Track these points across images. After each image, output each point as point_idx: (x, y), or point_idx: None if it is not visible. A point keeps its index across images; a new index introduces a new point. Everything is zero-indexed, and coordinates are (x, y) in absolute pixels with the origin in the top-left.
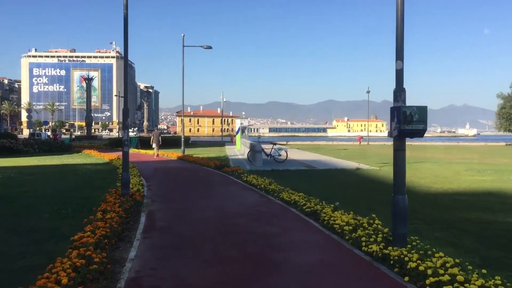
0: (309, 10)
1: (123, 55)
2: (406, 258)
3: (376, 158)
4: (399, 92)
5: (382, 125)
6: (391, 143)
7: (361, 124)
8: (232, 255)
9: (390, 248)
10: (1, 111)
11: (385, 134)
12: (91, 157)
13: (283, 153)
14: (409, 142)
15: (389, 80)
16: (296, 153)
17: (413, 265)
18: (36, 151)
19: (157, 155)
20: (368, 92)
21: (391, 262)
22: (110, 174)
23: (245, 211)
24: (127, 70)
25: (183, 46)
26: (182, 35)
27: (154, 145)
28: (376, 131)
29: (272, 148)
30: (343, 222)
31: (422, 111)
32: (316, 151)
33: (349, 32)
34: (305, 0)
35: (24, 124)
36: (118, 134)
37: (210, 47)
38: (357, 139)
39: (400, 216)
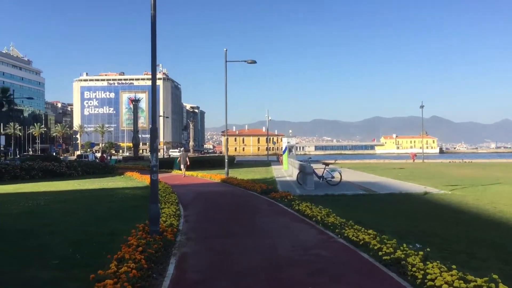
0: (354, 25)
1: (169, 76)
2: None
3: (441, 179)
4: None
5: (433, 142)
6: (448, 160)
7: (411, 141)
8: None
9: None
10: (54, 134)
11: (437, 150)
12: (132, 180)
13: (336, 174)
14: (467, 159)
15: (438, 95)
16: (348, 173)
17: None
18: (79, 173)
19: (184, 175)
20: (421, 107)
21: None
22: (145, 202)
23: (301, 257)
24: (155, 73)
25: (226, 61)
26: (225, 49)
27: (181, 166)
28: (427, 147)
29: (324, 169)
30: (451, 287)
31: None
32: (369, 170)
33: (394, 46)
34: (350, 14)
35: (79, 146)
36: (163, 155)
37: (254, 62)
38: (410, 156)
39: None
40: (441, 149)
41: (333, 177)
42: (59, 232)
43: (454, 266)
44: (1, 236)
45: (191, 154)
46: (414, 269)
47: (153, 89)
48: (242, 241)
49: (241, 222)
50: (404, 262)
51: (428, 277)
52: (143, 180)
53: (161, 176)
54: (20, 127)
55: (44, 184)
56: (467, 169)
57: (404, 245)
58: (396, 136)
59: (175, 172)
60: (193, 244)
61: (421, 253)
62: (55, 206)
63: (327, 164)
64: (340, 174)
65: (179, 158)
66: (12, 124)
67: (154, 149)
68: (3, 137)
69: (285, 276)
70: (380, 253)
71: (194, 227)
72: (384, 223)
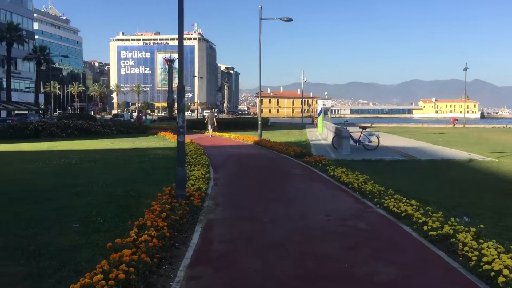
0: None
1: (204, 36)
2: None
3: (485, 145)
4: None
5: (474, 106)
6: (490, 125)
7: (451, 105)
8: None
9: None
10: (92, 93)
11: (478, 115)
12: (165, 140)
13: (374, 139)
14: (511, 125)
15: (481, 58)
16: (385, 138)
17: None
18: (113, 132)
19: (212, 135)
20: (465, 69)
21: None
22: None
23: (336, 228)
24: (183, 29)
25: (260, 18)
26: (260, 6)
27: (209, 126)
28: (468, 112)
29: (361, 133)
30: None
31: None
32: (408, 135)
33: (435, 7)
34: None
35: (115, 106)
36: (197, 115)
37: (290, 20)
38: (451, 121)
39: None
40: (482, 114)
41: (370, 142)
42: (85, 193)
43: None
44: (26, 196)
45: (224, 115)
46: (466, 248)
47: (180, 47)
48: (273, 208)
49: (272, 187)
50: (453, 239)
51: (484, 259)
52: (175, 140)
53: (194, 136)
54: (59, 86)
55: (78, 142)
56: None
57: (452, 219)
58: (435, 100)
59: (207, 132)
60: (221, 210)
61: (473, 229)
62: (85, 166)
63: (364, 128)
64: (378, 138)
65: (206, 119)
66: (51, 82)
67: (180, 109)
68: (42, 95)
69: (318, 251)
70: (425, 227)
71: (224, 192)
72: (427, 192)
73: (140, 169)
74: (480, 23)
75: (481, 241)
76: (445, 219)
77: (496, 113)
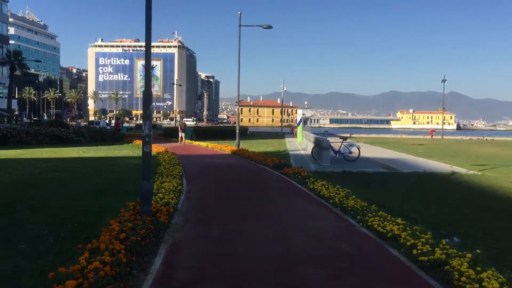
0: None
1: (184, 44)
2: None
3: (466, 157)
4: None
5: (451, 118)
6: (468, 137)
7: (428, 116)
8: None
9: None
10: (69, 100)
11: (454, 127)
12: (139, 148)
13: (354, 149)
14: (488, 137)
15: (458, 70)
16: (365, 149)
17: None
18: (87, 140)
19: (184, 143)
20: (443, 81)
21: None
22: None
23: (316, 251)
24: (150, 33)
25: (240, 25)
26: (239, 13)
27: (180, 134)
28: (444, 123)
29: (341, 144)
30: None
31: None
32: (387, 146)
33: (414, 20)
34: None
35: (91, 112)
36: (175, 124)
37: (270, 27)
38: (429, 132)
39: None
40: (458, 126)
41: (351, 153)
42: (41, 208)
43: None
44: None
45: (204, 123)
46: (463, 278)
47: (147, 51)
48: (247, 227)
49: (248, 202)
50: (448, 267)
51: None
52: None
53: (170, 145)
54: (35, 92)
55: (47, 150)
56: (489, 147)
57: (444, 242)
58: (413, 111)
59: (187, 141)
60: (191, 229)
61: (468, 255)
62: (50, 176)
63: (344, 139)
64: (358, 149)
65: (178, 127)
66: (27, 88)
67: (147, 116)
68: (15, 101)
69: (296, 281)
70: (414, 251)
71: (195, 206)
72: (412, 208)
73: (108, 180)
74: (456, 36)
75: (479, 269)
76: (436, 241)
77: (472, 125)
